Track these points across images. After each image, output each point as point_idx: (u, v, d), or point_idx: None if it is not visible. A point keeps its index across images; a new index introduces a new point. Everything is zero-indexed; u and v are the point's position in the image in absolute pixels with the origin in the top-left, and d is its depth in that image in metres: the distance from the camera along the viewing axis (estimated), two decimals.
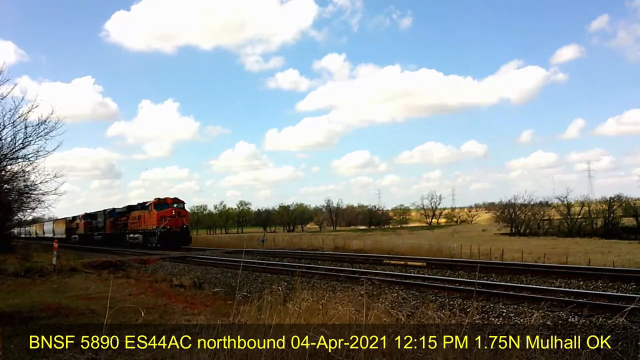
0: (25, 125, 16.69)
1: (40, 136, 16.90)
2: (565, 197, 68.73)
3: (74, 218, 60.30)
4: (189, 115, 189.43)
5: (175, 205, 36.60)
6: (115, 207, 48.17)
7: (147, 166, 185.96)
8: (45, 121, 16.84)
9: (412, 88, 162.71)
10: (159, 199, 36.90)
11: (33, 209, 29.93)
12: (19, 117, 16.73)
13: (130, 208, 42.99)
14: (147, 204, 37.97)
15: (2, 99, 16.35)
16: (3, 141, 17.00)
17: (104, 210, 48.99)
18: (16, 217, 37.26)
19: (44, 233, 71.44)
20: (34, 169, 19.67)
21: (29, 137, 16.82)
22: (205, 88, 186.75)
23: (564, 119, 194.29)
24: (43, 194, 21.96)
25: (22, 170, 19.73)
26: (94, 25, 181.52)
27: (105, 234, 47.65)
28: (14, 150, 17.03)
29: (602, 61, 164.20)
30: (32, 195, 23.77)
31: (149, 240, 37.11)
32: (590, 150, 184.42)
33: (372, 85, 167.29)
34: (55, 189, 20.86)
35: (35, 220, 66.40)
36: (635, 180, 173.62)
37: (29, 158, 18.03)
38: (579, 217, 66.25)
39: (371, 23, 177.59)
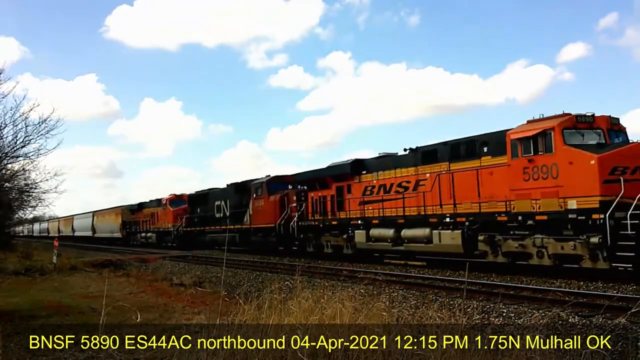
0: (26, 123, 16.61)
1: (41, 134, 16.81)
2: None
3: (141, 206, 38.24)
4: (192, 114, 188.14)
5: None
6: (265, 174, 25.44)
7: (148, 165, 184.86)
8: (46, 120, 16.74)
9: (417, 87, 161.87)
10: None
11: (34, 207, 29.87)
12: (20, 115, 16.66)
13: (342, 171, 19.35)
14: (497, 138, 13.85)
15: (3, 97, 16.29)
16: (4, 140, 16.94)
17: (236, 184, 26.67)
18: (17, 216, 37.23)
19: (73, 231, 50.64)
20: (34, 167, 19.61)
21: (30, 135, 16.75)
22: (208, 86, 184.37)
23: None
24: (44, 192, 21.92)
25: (23, 168, 19.67)
26: (97, 21, 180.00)
27: (243, 229, 25.29)
28: (15, 148, 16.96)
29: (608, 60, 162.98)
30: (33, 194, 23.72)
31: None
32: None
33: (377, 84, 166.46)
34: (56, 187, 20.81)
35: (36, 218, 57.12)
36: None
37: (29, 156, 17.97)
38: None
39: (378, 21, 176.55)
